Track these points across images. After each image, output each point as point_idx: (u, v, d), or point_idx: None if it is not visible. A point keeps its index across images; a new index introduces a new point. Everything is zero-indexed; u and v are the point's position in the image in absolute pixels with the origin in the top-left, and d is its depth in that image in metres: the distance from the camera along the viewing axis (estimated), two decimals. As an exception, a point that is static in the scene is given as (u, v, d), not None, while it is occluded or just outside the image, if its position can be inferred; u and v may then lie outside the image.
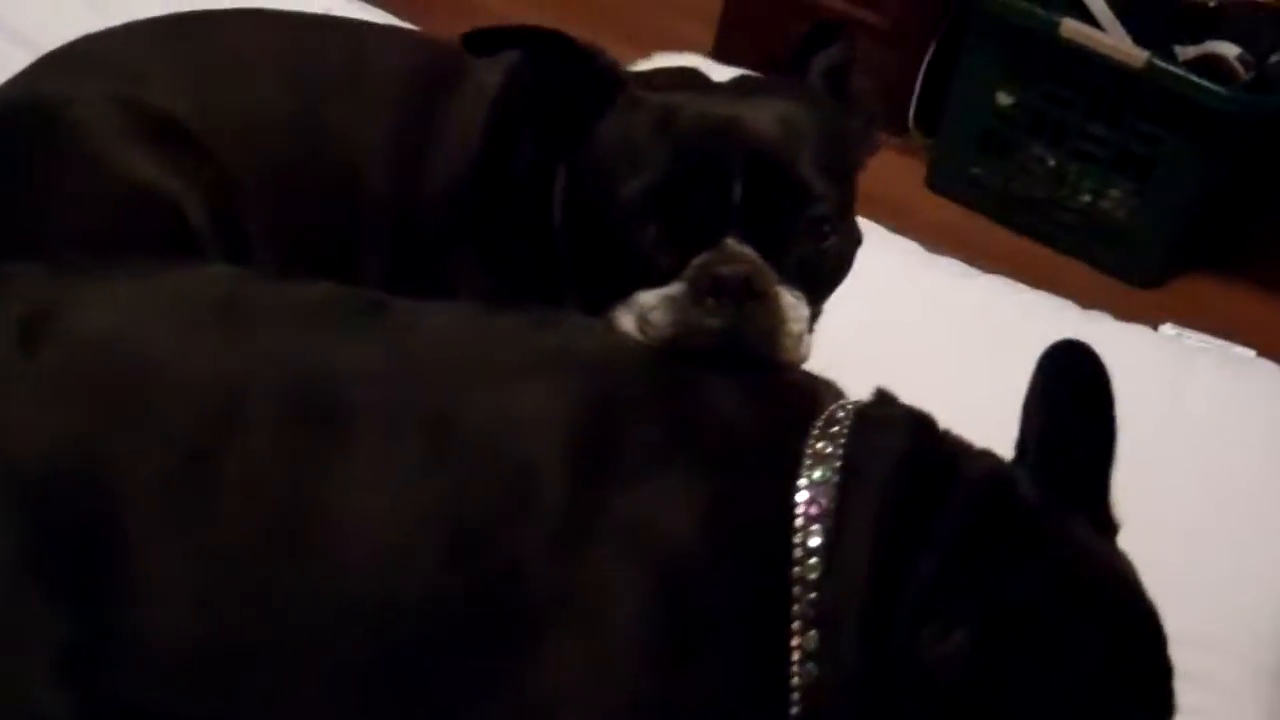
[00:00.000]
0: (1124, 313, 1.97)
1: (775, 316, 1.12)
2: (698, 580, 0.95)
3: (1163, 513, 1.39)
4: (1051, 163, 3.19)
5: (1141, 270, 3.09)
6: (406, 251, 1.39)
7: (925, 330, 1.74)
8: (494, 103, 1.38)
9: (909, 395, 1.09)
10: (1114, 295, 2.92)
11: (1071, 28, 2.97)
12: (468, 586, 0.95)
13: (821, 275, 1.20)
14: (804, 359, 1.17)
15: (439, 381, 1.03)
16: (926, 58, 3.27)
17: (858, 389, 1.09)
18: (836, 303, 1.24)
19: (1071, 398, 0.99)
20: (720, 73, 1.30)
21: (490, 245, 1.37)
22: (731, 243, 1.13)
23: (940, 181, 3.33)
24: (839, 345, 1.21)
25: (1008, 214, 3.24)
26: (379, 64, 1.43)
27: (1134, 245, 3.09)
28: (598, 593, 0.94)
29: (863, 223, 1.28)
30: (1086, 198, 3.16)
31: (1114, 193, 3.13)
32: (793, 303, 1.14)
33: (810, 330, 1.18)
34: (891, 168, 3.07)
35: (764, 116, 1.17)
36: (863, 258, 1.27)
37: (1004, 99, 3.20)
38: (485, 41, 1.23)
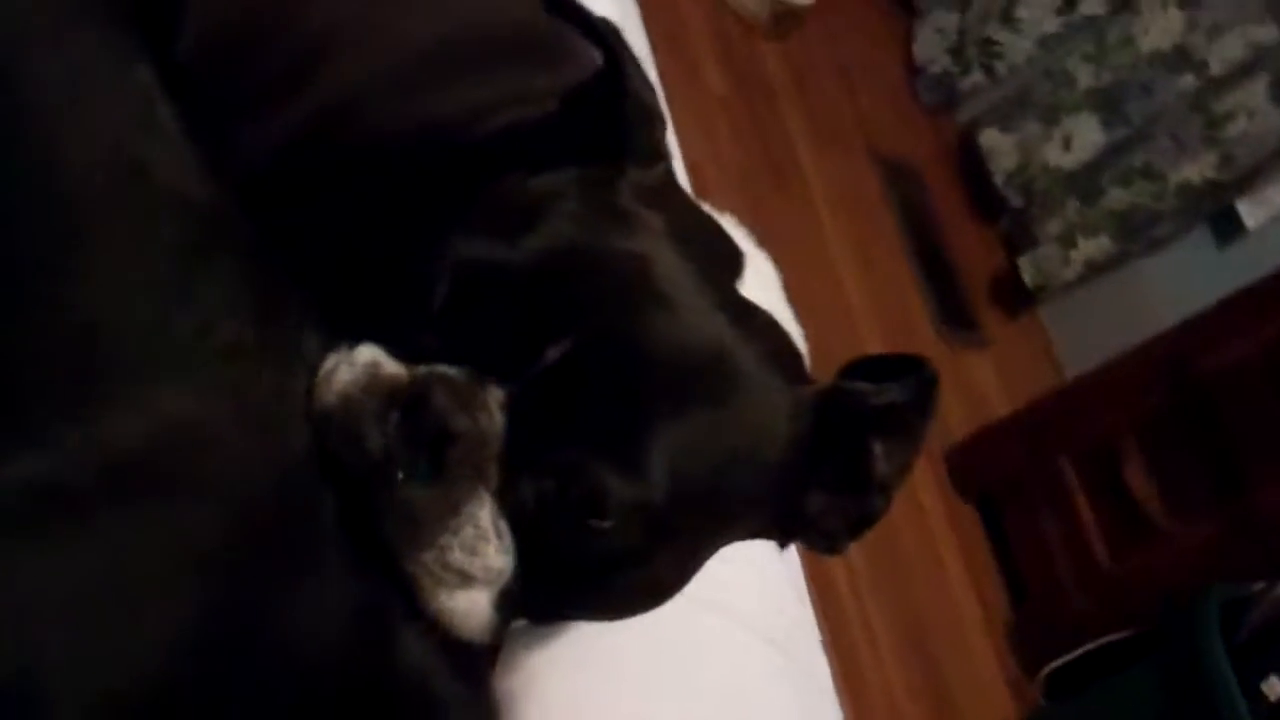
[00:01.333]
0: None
1: (448, 510, 0.80)
2: None
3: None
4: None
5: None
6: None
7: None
8: None
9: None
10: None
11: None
12: None
13: (571, 570, 0.83)
14: (452, 619, 0.82)
15: None
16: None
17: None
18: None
19: None
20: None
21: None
22: (494, 397, 0.81)
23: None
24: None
25: None
26: None
27: None
28: None
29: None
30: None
31: None
32: (487, 531, 0.80)
33: (501, 615, 0.83)
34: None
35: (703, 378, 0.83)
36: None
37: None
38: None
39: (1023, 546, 3.06)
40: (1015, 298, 3.47)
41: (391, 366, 0.83)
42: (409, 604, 0.80)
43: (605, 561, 0.81)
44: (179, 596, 0.73)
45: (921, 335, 3.27)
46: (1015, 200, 3.43)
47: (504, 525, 0.80)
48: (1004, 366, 3.46)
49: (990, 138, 3.45)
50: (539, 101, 0.98)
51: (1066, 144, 3.32)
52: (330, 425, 0.81)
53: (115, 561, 0.72)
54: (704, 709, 1.03)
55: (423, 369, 0.82)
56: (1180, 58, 3.15)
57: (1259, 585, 2.53)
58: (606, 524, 0.79)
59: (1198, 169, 3.09)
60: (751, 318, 0.87)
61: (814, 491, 0.88)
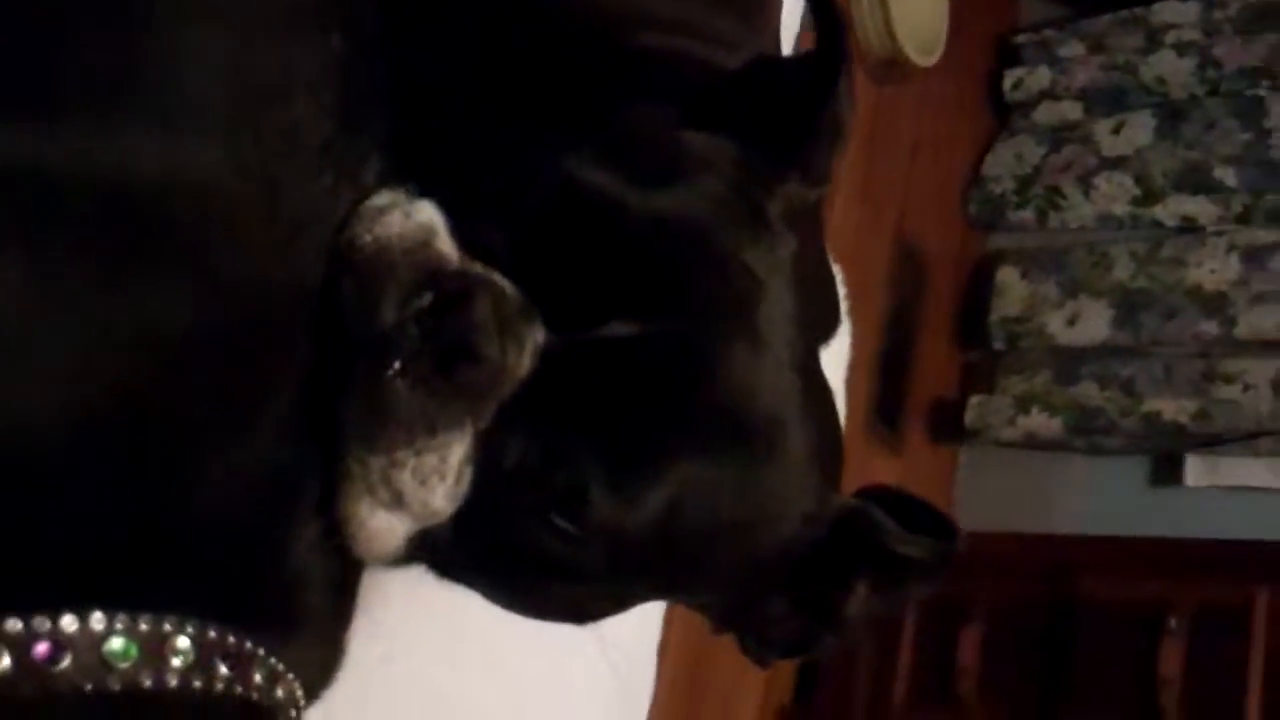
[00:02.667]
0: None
1: (425, 428, 0.70)
2: None
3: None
4: None
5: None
6: None
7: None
8: None
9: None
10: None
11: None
12: None
13: (508, 551, 0.75)
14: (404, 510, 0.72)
15: None
16: None
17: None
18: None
19: None
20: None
21: None
22: (534, 338, 0.72)
23: None
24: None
25: None
26: None
27: None
28: None
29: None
30: None
31: None
32: (450, 469, 0.71)
33: (409, 552, 0.74)
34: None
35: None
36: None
37: None
38: None
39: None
40: (946, 427, 3.45)
41: (447, 243, 0.72)
42: (323, 495, 0.71)
43: (549, 563, 0.73)
44: (103, 364, 0.63)
45: (854, 414, 3.23)
46: (997, 343, 3.40)
47: (468, 472, 0.71)
48: (904, 481, 3.44)
49: (1007, 276, 3.41)
50: (718, 46, 0.87)
51: (1072, 320, 3.28)
52: (351, 267, 0.71)
53: (44, 292, 0.62)
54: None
55: (478, 267, 0.72)
56: (1215, 304, 3.12)
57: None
58: (572, 530, 0.71)
59: (1174, 408, 3.08)
60: (819, 397, 0.80)
61: (779, 596, 0.81)
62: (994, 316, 3.40)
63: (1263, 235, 3.14)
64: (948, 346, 3.57)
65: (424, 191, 0.74)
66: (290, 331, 0.70)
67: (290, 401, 0.70)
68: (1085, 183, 3.35)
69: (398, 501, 0.70)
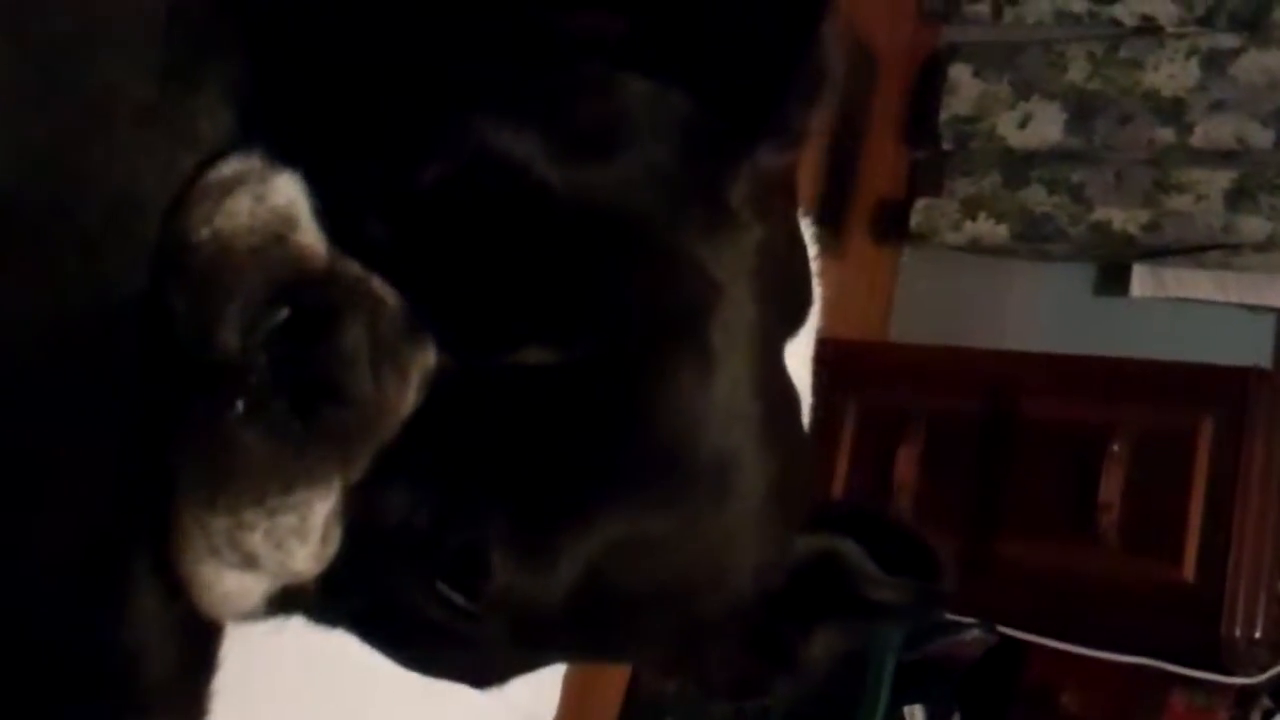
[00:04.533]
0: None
1: (279, 484, 0.56)
2: None
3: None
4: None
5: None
6: None
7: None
8: None
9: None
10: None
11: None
12: None
13: (391, 615, 0.62)
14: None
15: None
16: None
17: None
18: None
19: None
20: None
21: None
22: (422, 363, 0.58)
23: None
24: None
25: None
26: None
27: None
28: None
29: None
30: None
31: None
32: (311, 531, 0.57)
33: (272, 609, 0.61)
34: None
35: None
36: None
37: None
38: None
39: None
40: (890, 229, 3.36)
41: (310, 234, 0.56)
42: (158, 546, 0.57)
43: (440, 633, 0.60)
44: None
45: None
46: (946, 143, 3.28)
47: (336, 532, 0.57)
48: (844, 283, 3.36)
49: (959, 73, 3.26)
50: None
51: (1024, 122, 3.17)
52: (182, 273, 0.54)
53: None
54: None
55: (352, 268, 0.56)
56: (1172, 110, 3.02)
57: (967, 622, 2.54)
58: (464, 605, 0.57)
59: (1124, 217, 3.00)
60: (784, 419, 0.66)
61: (724, 640, 0.69)
62: (943, 115, 3.27)
63: (1224, 40, 3.01)
64: (895, 145, 3.45)
65: (282, 159, 0.58)
66: (102, 362, 0.55)
67: (107, 449, 0.55)
68: (1044, -24, 3.20)
69: (250, 563, 0.57)
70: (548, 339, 0.57)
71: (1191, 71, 3.01)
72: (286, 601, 0.60)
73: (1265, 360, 2.79)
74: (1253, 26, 3.00)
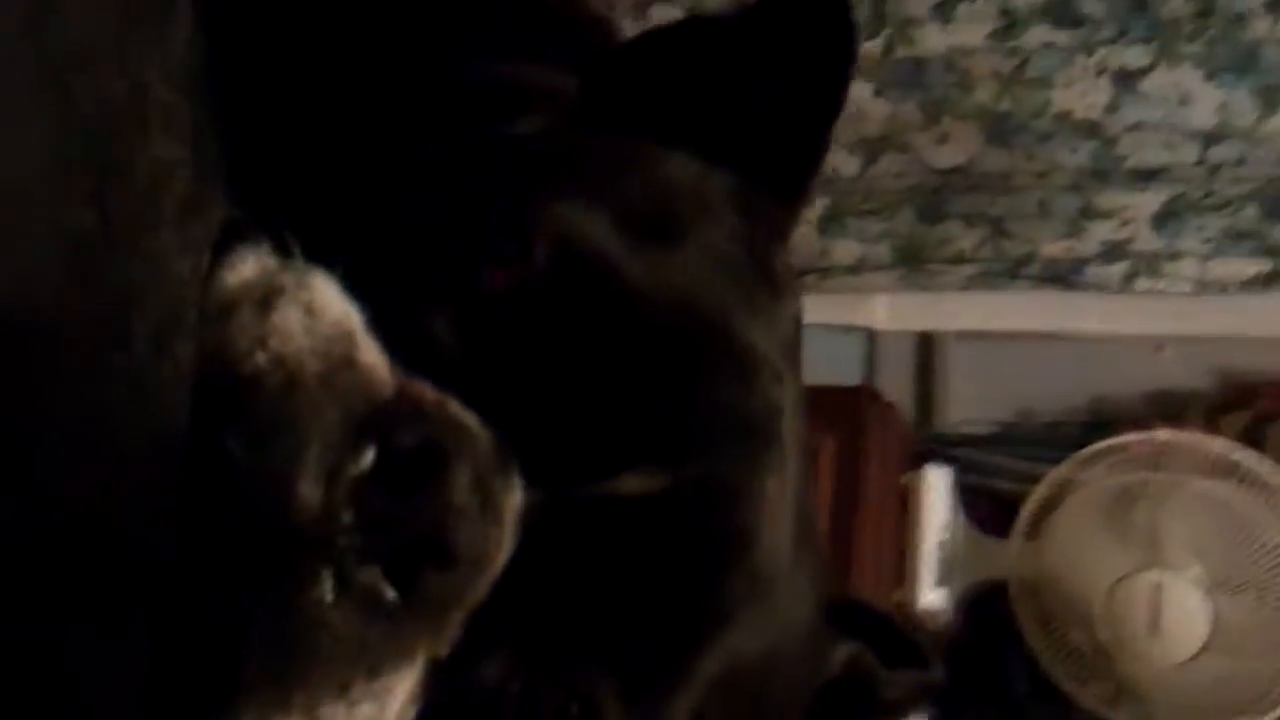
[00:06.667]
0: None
1: (363, 669, 0.46)
2: None
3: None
4: None
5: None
6: None
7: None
8: None
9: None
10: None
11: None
12: None
13: None
14: None
15: None
16: None
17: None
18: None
19: None
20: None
21: None
22: (513, 499, 0.49)
23: None
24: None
25: None
26: None
27: None
28: None
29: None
30: None
31: None
32: (389, 715, 0.47)
33: None
34: None
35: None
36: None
37: None
38: None
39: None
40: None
41: (373, 351, 0.47)
42: None
43: None
44: None
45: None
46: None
47: (413, 710, 0.48)
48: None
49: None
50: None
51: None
52: (238, 407, 0.44)
53: None
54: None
55: (427, 390, 0.47)
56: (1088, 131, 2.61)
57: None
58: None
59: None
60: (810, 524, 0.62)
61: None
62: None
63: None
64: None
65: (304, 252, 0.48)
66: (144, 528, 0.42)
67: (144, 639, 0.42)
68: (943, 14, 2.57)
69: None
70: (653, 462, 0.50)
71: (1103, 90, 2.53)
72: None
73: (855, 379, 2.82)
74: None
